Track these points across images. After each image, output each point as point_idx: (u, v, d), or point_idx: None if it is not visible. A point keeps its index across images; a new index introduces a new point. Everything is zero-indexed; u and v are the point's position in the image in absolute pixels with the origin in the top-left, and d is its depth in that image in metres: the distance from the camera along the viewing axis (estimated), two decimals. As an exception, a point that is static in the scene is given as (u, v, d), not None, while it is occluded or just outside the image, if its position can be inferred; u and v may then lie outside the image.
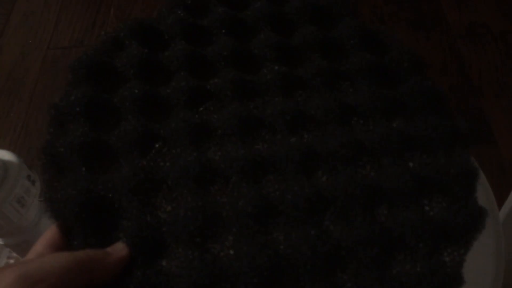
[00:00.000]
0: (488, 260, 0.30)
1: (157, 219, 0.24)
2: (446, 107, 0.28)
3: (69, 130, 0.26)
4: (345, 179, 0.24)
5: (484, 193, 0.33)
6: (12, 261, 0.61)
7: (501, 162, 0.71)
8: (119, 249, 0.23)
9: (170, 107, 0.28)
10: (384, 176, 0.25)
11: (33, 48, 0.90)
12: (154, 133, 0.27)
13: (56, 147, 0.25)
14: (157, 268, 0.22)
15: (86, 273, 0.21)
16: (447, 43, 0.85)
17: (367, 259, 0.23)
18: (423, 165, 0.25)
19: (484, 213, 0.24)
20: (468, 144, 0.26)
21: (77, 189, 0.23)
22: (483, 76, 0.80)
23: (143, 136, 0.26)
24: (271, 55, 0.30)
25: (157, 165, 0.25)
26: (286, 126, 0.27)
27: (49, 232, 0.23)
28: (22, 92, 0.84)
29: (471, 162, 0.25)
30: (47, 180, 0.24)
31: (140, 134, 0.26)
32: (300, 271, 0.22)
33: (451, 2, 0.91)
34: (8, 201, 0.39)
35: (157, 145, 0.26)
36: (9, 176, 0.40)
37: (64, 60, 0.87)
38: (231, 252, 0.23)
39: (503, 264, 0.29)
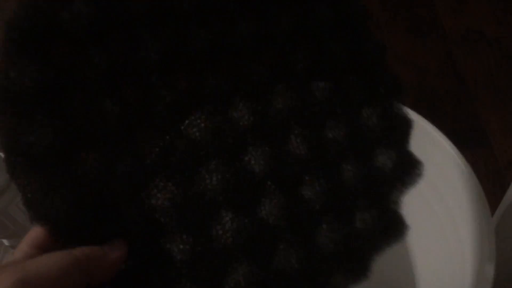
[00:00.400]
0: (480, 262, 0.31)
1: (152, 210, 0.23)
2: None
3: (30, 122, 0.21)
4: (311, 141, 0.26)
5: (476, 196, 0.34)
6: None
7: (496, 165, 0.72)
8: (117, 247, 0.22)
9: (144, 76, 0.23)
10: (344, 136, 0.27)
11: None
12: (134, 117, 0.23)
13: (22, 146, 0.21)
14: (156, 259, 0.23)
15: (84, 273, 0.20)
16: (443, 49, 0.87)
17: (336, 210, 0.26)
18: (370, 118, 0.28)
19: (418, 162, 0.27)
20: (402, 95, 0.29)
21: (62, 201, 0.21)
22: (479, 81, 0.81)
23: (120, 122, 0.23)
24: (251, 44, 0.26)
25: (142, 151, 0.23)
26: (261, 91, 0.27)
27: (33, 231, 0.21)
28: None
29: (404, 114, 0.28)
30: (18, 182, 0.21)
31: (116, 118, 0.23)
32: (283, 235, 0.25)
33: (446, 8, 0.93)
34: (14, 202, 0.40)
35: (138, 129, 0.23)
36: (15, 178, 0.41)
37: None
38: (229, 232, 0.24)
39: (494, 266, 0.30)
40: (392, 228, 0.27)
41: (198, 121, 0.24)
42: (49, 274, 0.19)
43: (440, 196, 0.37)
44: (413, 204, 0.29)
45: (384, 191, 0.27)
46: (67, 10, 0.21)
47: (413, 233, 0.28)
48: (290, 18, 0.26)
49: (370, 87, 0.28)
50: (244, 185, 0.25)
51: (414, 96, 0.80)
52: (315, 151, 0.26)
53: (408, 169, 0.27)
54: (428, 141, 0.36)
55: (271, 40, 0.26)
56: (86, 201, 0.21)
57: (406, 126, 0.28)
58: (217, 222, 0.24)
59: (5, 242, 0.45)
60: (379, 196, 0.27)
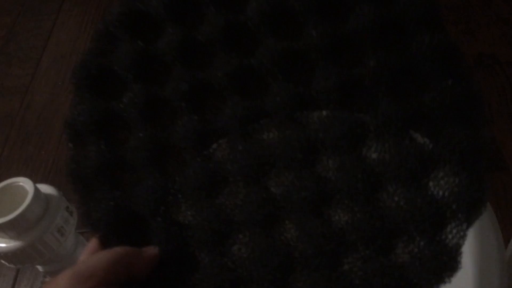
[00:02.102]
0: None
1: (180, 226, 0.26)
2: (461, 66, 0.25)
3: (87, 148, 0.28)
4: (348, 166, 0.24)
5: (489, 221, 0.32)
6: None
7: (515, 188, 0.72)
8: (150, 249, 0.26)
9: (173, 110, 0.28)
10: (387, 157, 0.24)
11: (62, 90, 0.96)
12: (163, 143, 0.28)
13: (80, 168, 0.28)
14: (184, 267, 0.25)
15: (124, 266, 0.24)
16: (456, 74, 0.88)
17: (370, 245, 0.23)
18: (427, 141, 0.24)
19: (486, 187, 0.23)
20: (482, 108, 0.24)
21: (107, 206, 0.27)
22: (493, 104, 0.82)
23: (153, 148, 0.28)
24: (266, 28, 0.28)
25: (171, 175, 0.27)
26: (288, 114, 0.27)
27: (91, 243, 0.27)
28: (52, 131, 0.89)
29: (480, 136, 0.24)
30: (78, 198, 0.28)
31: (149, 147, 0.28)
32: (308, 262, 0.24)
33: (458, 33, 0.94)
34: (49, 230, 0.43)
35: (168, 154, 0.28)
36: (50, 207, 0.43)
37: (91, 100, 0.92)
38: (245, 253, 0.25)
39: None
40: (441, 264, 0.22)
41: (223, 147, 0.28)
42: (95, 266, 0.23)
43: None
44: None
45: (437, 222, 0.23)
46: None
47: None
48: None
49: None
50: (266, 205, 0.26)
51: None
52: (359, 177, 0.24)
53: (471, 197, 0.23)
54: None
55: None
56: (122, 213, 0.26)
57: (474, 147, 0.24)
58: (234, 241, 0.26)
59: (40, 268, 0.47)
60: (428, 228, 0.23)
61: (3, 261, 0.44)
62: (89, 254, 0.26)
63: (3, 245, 0.42)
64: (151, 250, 0.26)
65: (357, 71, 0.26)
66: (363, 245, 0.23)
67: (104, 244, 0.26)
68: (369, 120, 0.25)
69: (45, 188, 0.45)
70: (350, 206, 0.24)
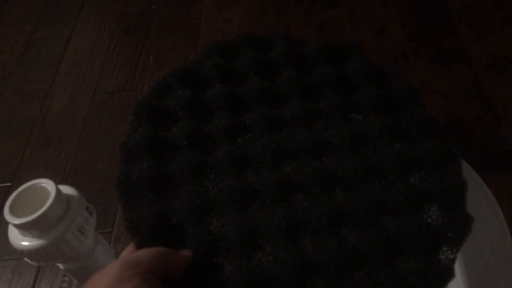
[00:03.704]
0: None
1: (211, 234, 0.29)
2: (439, 132, 0.33)
3: (137, 164, 0.32)
4: (358, 195, 0.30)
5: (498, 223, 0.35)
6: (65, 284, 0.67)
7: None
8: (185, 251, 0.29)
9: (214, 140, 0.34)
10: (390, 192, 0.30)
11: (80, 94, 0.98)
12: (204, 163, 0.32)
13: (128, 180, 0.32)
14: (213, 271, 0.27)
15: (165, 263, 0.27)
16: (470, 76, 0.88)
17: (378, 260, 0.28)
18: (422, 181, 0.31)
19: (471, 219, 0.29)
20: (459, 162, 0.31)
21: (150, 211, 0.30)
22: (507, 106, 0.82)
23: (195, 166, 0.32)
24: (294, 91, 0.36)
25: (207, 190, 0.31)
26: (309, 152, 0.32)
27: (128, 248, 0.29)
28: (71, 134, 0.91)
29: (462, 177, 0.30)
30: (123, 205, 0.31)
31: (192, 165, 0.32)
32: (325, 271, 0.27)
33: (472, 36, 0.95)
34: (70, 229, 0.44)
35: (207, 173, 0.32)
36: (71, 207, 0.45)
37: (109, 104, 0.95)
38: (270, 258, 0.27)
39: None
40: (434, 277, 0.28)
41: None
42: (142, 258, 0.26)
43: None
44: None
45: (431, 247, 0.28)
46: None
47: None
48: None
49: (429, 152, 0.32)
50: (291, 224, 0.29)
51: (442, 124, 0.82)
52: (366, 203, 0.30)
53: (458, 227, 0.29)
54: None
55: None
56: (162, 219, 0.30)
57: (461, 188, 0.30)
58: (259, 250, 0.29)
59: (61, 266, 0.49)
60: (425, 251, 0.28)
61: (26, 259, 0.46)
62: (128, 254, 0.29)
63: (26, 243, 0.44)
64: (186, 253, 0.29)
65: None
66: (373, 259, 0.28)
67: (142, 247, 0.29)
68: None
69: (66, 189, 0.47)
70: (362, 226, 0.29)
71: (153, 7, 1.12)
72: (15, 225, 0.43)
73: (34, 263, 0.45)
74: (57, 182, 0.46)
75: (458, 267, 0.33)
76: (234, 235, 0.28)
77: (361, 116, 0.35)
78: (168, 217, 0.30)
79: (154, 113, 0.35)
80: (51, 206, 0.43)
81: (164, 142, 0.34)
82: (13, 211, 0.43)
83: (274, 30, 0.41)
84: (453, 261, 0.28)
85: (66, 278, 0.68)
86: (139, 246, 0.29)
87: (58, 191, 0.44)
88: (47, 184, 0.44)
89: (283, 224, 0.28)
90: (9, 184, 0.84)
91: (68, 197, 0.46)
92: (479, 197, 0.37)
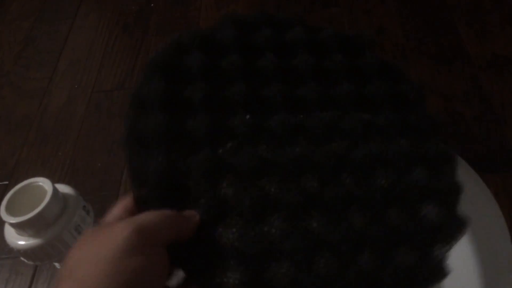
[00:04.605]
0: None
1: (221, 199, 0.29)
2: (441, 131, 0.35)
3: (150, 114, 0.31)
4: (365, 183, 0.31)
5: (498, 223, 0.35)
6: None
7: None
8: (192, 214, 0.27)
9: (230, 108, 0.34)
10: (395, 185, 0.31)
11: (79, 92, 0.98)
12: (221, 128, 0.32)
13: (139, 130, 0.30)
14: (219, 235, 0.28)
15: (174, 225, 0.25)
16: (469, 75, 0.88)
17: (381, 248, 0.29)
18: (423, 177, 0.32)
19: (466, 219, 0.30)
20: (456, 162, 0.33)
21: (162, 161, 0.29)
22: (506, 106, 0.82)
23: (211, 130, 0.32)
24: (309, 74, 0.37)
25: (223, 157, 0.31)
26: (324, 134, 0.33)
27: (125, 199, 0.27)
28: (69, 133, 0.91)
29: (457, 178, 0.32)
30: (130, 157, 0.29)
31: (209, 128, 0.31)
32: (331, 250, 0.28)
33: (471, 34, 0.94)
34: (67, 228, 0.44)
35: (223, 140, 0.32)
36: (68, 206, 0.45)
37: (107, 102, 0.94)
38: (278, 231, 0.28)
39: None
40: (430, 274, 0.29)
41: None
42: (153, 224, 0.23)
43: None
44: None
45: (427, 241, 0.30)
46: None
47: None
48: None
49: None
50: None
51: (441, 123, 0.81)
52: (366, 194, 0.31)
53: (452, 228, 0.30)
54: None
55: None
56: (172, 175, 0.29)
57: (455, 190, 0.32)
58: (269, 222, 0.29)
59: (57, 265, 0.49)
60: (422, 244, 0.30)
61: (22, 258, 0.45)
62: (123, 210, 0.26)
63: (22, 242, 0.44)
64: (194, 217, 0.27)
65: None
66: (376, 247, 0.29)
67: (143, 203, 0.27)
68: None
69: (63, 188, 0.46)
70: (368, 215, 0.30)
71: (152, 4, 1.12)
72: (11, 224, 0.43)
73: (31, 263, 0.45)
74: (55, 180, 0.45)
75: (456, 266, 0.33)
76: (246, 202, 0.28)
77: (369, 115, 0.36)
78: (179, 173, 0.29)
79: (168, 69, 0.34)
80: (48, 205, 0.43)
81: (179, 98, 0.33)
82: (9, 210, 0.43)
83: (289, 15, 0.41)
84: (445, 258, 0.29)
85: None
86: (140, 202, 0.27)
87: (55, 190, 0.44)
88: (44, 183, 0.44)
89: (295, 200, 0.29)
90: (6, 182, 0.83)
91: (65, 196, 0.46)
92: (478, 197, 0.37)
